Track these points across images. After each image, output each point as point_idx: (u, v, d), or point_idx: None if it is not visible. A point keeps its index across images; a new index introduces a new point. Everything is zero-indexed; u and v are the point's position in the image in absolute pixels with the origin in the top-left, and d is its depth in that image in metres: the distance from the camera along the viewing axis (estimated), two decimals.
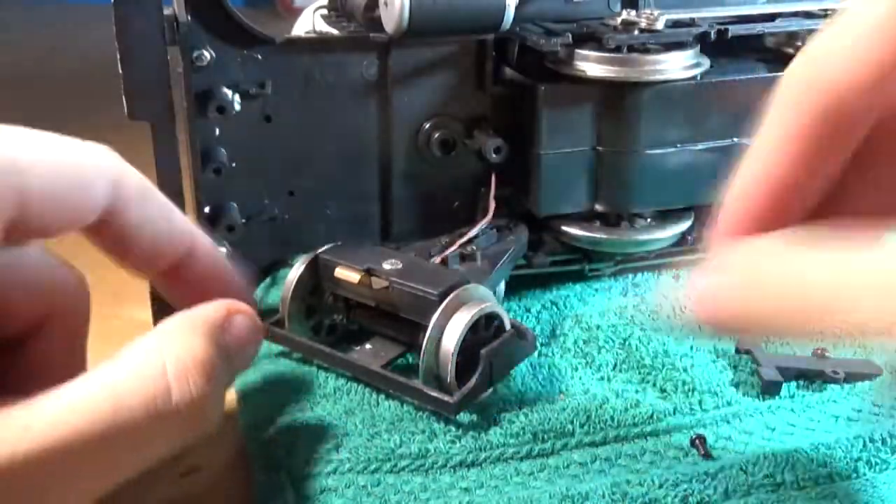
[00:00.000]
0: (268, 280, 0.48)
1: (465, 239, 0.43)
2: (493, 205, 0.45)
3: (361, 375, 0.39)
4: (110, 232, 0.28)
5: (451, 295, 0.36)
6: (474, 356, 0.37)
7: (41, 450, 0.22)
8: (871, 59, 0.22)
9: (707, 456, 0.35)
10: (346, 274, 0.38)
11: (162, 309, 0.40)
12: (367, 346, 0.40)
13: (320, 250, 0.40)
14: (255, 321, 0.30)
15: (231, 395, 0.39)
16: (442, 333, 0.36)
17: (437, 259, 0.42)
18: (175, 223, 0.30)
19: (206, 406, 0.26)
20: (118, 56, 0.37)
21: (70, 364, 0.29)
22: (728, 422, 0.37)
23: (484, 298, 0.38)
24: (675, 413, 0.38)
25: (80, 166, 0.27)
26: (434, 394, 0.36)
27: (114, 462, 0.24)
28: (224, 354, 0.28)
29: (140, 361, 0.25)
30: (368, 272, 0.38)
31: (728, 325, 0.24)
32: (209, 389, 0.26)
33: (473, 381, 0.37)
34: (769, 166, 0.25)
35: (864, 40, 0.22)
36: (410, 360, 0.41)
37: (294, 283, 0.39)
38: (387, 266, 0.38)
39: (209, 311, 0.29)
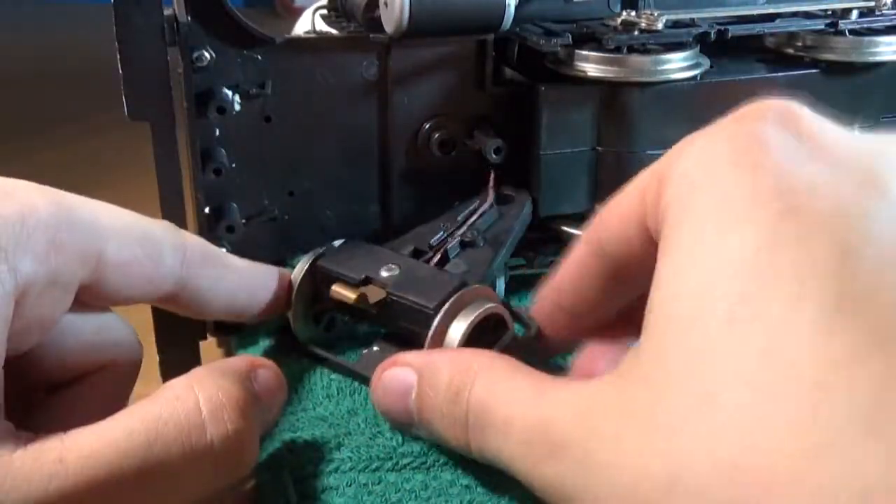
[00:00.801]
0: None
1: (464, 229, 0.43)
2: (492, 194, 0.45)
3: (366, 383, 0.39)
4: (186, 297, 0.30)
5: (448, 304, 0.36)
6: None
7: (74, 484, 0.22)
8: (620, 220, 0.29)
9: None
10: (343, 294, 0.38)
11: (161, 315, 0.40)
12: (375, 348, 0.41)
13: (318, 252, 0.40)
14: (278, 373, 0.31)
15: None
16: (442, 342, 0.36)
17: (437, 254, 0.41)
18: (246, 276, 0.33)
19: (242, 445, 0.26)
20: (118, 56, 0.37)
21: (111, 411, 0.29)
22: None
23: (483, 299, 0.38)
24: None
25: (153, 237, 0.28)
26: None
27: (147, 499, 0.24)
28: (255, 398, 0.28)
29: (174, 398, 0.26)
30: (366, 282, 0.38)
31: (393, 419, 0.32)
32: (243, 426, 0.26)
33: None
34: (560, 278, 0.33)
35: (621, 207, 0.29)
36: None
37: (296, 290, 0.39)
38: (384, 273, 0.38)
39: (235, 362, 0.30)
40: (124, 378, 0.31)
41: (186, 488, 0.25)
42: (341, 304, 0.39)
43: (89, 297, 0.27)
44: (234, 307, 0.33)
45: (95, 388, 0.30)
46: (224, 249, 0.40)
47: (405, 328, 0.38)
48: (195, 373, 0.28)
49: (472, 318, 0.36)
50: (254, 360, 0.31)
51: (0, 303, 0.23)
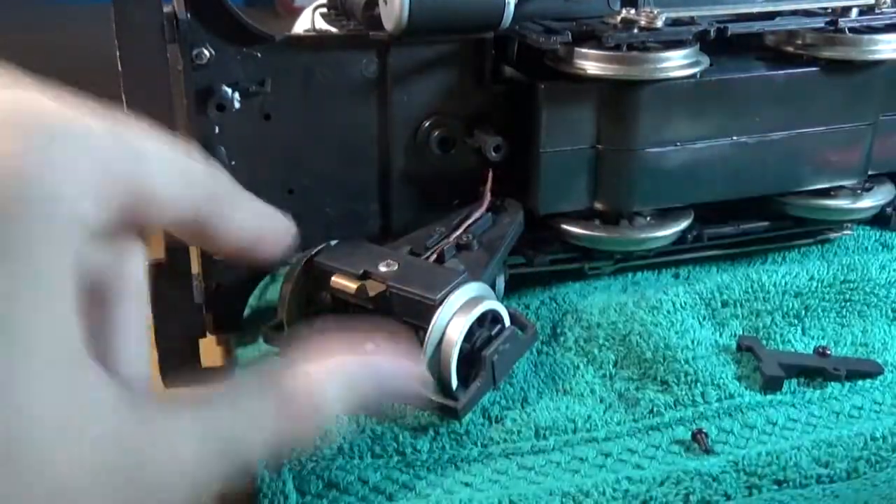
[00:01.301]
0: (267, 278, 0.48)
1: (460, 231, 0.43)
2: (488, 196, 0.45)
3: None
4: (202, 230, 0.30)
5: (448, 298, 0.36)
6: (475, 353, 0.37)
7: (170, 454, 0.24)
8: None
9: (708, 451, 0.35)
10: (343, 283, 0.38)
11: (161, 314, 0.40)
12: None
13: (314, 251, 0.40)
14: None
15: None
16: (442, 338, 0.36)
17: (434, 254, 0.41)
18: (260, 219, 0.32)
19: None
20: (118, 55, 0.37)
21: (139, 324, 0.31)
22: (730, 415, 0.38)
23: (481, 296, 0.38)
24: (676, 406, 0.38)
25: (190, 168, 0.28)
26: (439, 400, 0.36)
27: (223, 471, 0.26)
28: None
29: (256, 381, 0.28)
30: (365, 276, 0.38)
31: None
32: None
33: (478, 384, 0.37)
34: None
35: None
36: None
37: (291, 287, 0.39)
38: (383, 268, 0.38)
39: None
40: (141, 288, 0.31)
41: (256, 459, 0.28)
42: (338, 302, 0.40)
43: (131, 221, 0.27)
44: (246, 245, 0.32)
45: (120, 306, 0.30)
46: None
47: (405, 322, 0.38)
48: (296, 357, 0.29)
49: (470, 314, 0.36)
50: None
51: (73, 251, 0.23)
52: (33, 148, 0.23)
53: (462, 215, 0.44)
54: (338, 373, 0.29)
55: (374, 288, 0.37)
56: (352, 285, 0.37)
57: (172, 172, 0.28)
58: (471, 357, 0.37)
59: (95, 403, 0.23)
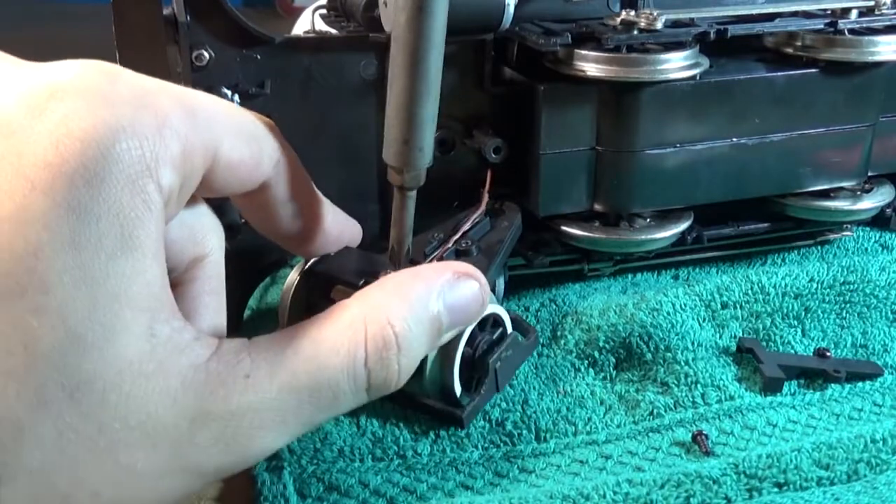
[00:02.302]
0: (267, 280, 0.48)
1: (458, 234, 0.43)
2: (486, 198, 0.45)
3: None
4: (263, 199, 0.31)
5: None
6: (477, 359, 0.37)
7: (257, 399, 0.25)
8: None
9: (708, 453, 0.35)
10: (347, 294, 0.37)
11: None
12: None
13: (312, 261, 0.39)
14: (474, 289, 0.31)
15: None
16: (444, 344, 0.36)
17: (433, 262, 0.41)
18: (317, 200, 0.33)
19: (399, 374, 0.28)
20: (118, 56, 0.37)
21: (214, 303, 0.31)
22: (730, 416, 0.38)
23: None
24: (676, 407, 0.38)
25: (258, 136, 0.29)
26: (443, 408, 0.36)
27: (312, 413, 0.27)
28: (431, 325, 0.29)
29: (346, 328, 0.27)
30: (365, 285, 0.37)
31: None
32: (403, 361, 0.28)
33: (482, 391, 0.37)
34: None
35: None
36: None
37: (290, 298, 0.39)
38: (383, 276, 0.37)
39: (427, 278, 0.30)
40: (219, 266, 0.32)
41: (342, 405, 0.27)
42: None
43: (204, 190, 0.28)
44: (294, 231, 0.34)
45: (197, 281, 0.30)
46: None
47: None
48: (375, 296, 0.29)
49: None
50: (453, 280, 0.31)
51: (156, 217, 0.24)
52: (118, 115, 0.23)
53: (459, 220, 0.44)
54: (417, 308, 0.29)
55: None
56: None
57: (240, 137, 0.28)
58: (472, 362, 0.37)
59: (178, 347, 0.24)
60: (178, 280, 0.30)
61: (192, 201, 0.30)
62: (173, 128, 0.25)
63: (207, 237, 0.31)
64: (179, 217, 0.29)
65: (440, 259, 0.41)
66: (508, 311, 0.39)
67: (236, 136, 0.28)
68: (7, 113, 0.23)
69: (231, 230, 0.42)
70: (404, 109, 0.31)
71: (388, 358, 0.28)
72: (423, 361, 0.36)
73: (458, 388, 0.36)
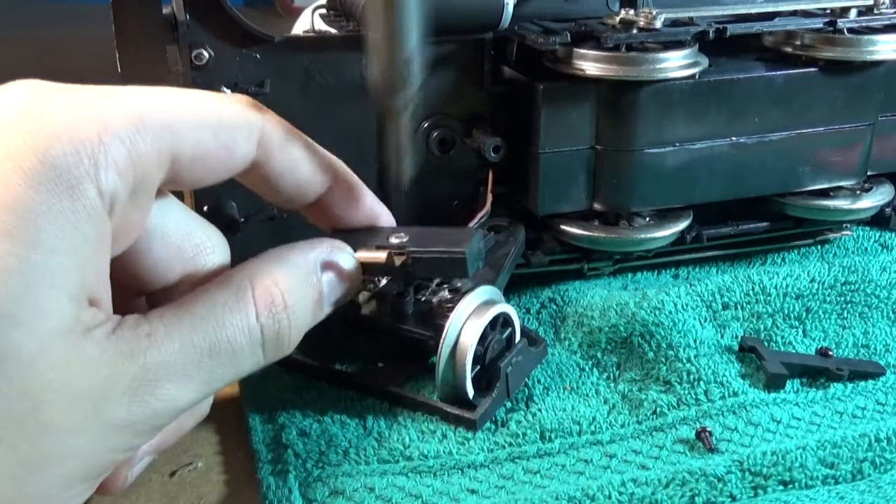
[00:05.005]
0: None
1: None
2: (490, 198, 0.45)
3: (379, 396, 0.39)
4: (257, 177, 0.31)
5: (478, 247, 0.36)
6: (489, 362, 0.37)
7: (160, 354, 0.26)
8: None
9: (713, 450, 0.35)
10: (370, 256, 0.35)
11: None
12: (380, 364, 0.41)
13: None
14: (346, 271, 0.33)
15: (236, 396, 0.39)
16: (456, 342, 0.36)
17: None
18: (316, 163, 0.33)
19: (288, 335, 0.30)
20: (118, 56, 0.37)
21: None
22: (734, 413, 0.38)
23: (492, 299, 0.38)
24: (679, 405, 0.38)
25: (227, 124, 0.29)
26: (455, 411, 0.36)
27: (212, 372, 0.28)
28: (311, 291, 0.31)
29: (235, 289, 0.29)
30: (380, 249, 0.35)
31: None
32: (292, 320, 0.30)
33: (493, 395, 0.37)
34: None
35: None
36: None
37: None
38: (394, 240, 0.36)
39: (305, 253, 0.32)
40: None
41: (242, 362, 0.29)
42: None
43: (167, 189, 0.29)
44: (302, 195, 0.34)
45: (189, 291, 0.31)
46: None
47: (409, 335, 0.38)
48: (257, 264, 0.30)
49: (483, 317, 0.36)
50: (327, 251, 0.32)
51: (94, 219, 0.25)
52: (53, 126, 0.25)
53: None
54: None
55: (397, 258, 0.35)
56: (381, 255, 0.35)
57: (205, 130, 0.28)
58: (483, 363, 0.37)
59: (94, 323, 0.25)
60: (170, 293, 0.30)
61: (186, 218, 0.31)
62: (115, 133, 0.25)
63: (201, 254, 0.31)
64: (161, 234, 0.30)
65: None
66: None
67: (200, 130, 0.28)
68: None
69: (230, 227, 0.43)
70: (387, 24, 0.31)
71: (278, 313, 0.29)
72: (436, 364, 0.36)
73: (470, 390, 0.37)
